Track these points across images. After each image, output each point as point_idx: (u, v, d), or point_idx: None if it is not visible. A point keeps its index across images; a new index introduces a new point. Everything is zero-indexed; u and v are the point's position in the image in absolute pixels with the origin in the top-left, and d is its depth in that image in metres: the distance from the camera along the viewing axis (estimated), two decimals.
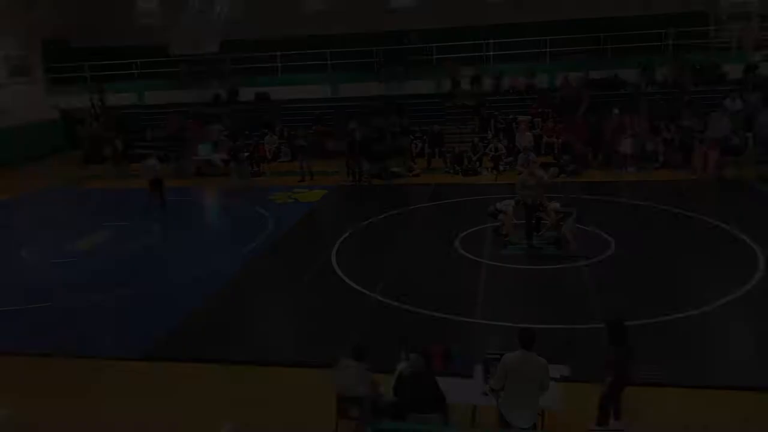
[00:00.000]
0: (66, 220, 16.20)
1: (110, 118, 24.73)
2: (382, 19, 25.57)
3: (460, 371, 6.46)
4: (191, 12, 19.36)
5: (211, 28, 19.00)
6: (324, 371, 7.71)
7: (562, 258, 11.30)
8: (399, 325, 9.10)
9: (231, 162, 19.21)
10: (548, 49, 23.48)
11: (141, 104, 26.29)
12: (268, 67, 25.42)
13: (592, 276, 10.43)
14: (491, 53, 23.86)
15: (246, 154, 20.40)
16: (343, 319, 9.36)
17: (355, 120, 21.31)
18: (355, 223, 14.01)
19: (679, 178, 16.73)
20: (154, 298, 10.64)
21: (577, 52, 23.50)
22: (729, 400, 6.90)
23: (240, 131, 22.57)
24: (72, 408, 7.40)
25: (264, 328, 9.26)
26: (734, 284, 9.73)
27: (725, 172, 16.38)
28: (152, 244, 13.73)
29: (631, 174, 17.33)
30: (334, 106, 23.53)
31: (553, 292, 10.09)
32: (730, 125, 17.29)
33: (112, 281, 11.39)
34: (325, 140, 21.77)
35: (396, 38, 24.91)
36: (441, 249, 12.19)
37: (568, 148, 19.06)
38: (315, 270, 11.43)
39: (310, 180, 18.58)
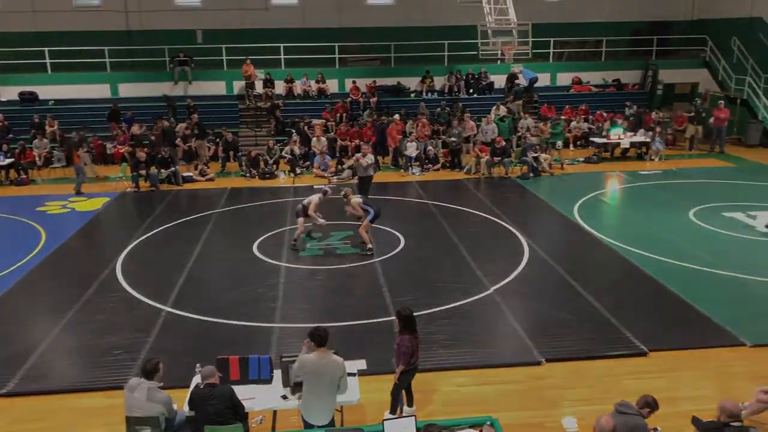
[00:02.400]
0: None
1: None
2: (170, 17, 24.43)
3: (258, 378, 6.41)
4: None
5: None
6: (112, 393, 7.21)
7: (356, 255, 11.79)
8: (193, 336, 8.77)
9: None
10: (337, 56, 24.24)
11: None
12: (35, 63, 22.79)
13: (385, 271, 11.02)
14: (282, 57, 23.96)
15: (11, 160, 18.16)
16: (132, 335, 8.75)
17: (140, 122, 20.02)
18: (142, 232, 13.21)
19: (455, 177, 18.39)
20: None
21: (365, 59, 24.68)
22: (508, 376, 7.72)
23: (3, 135, 19.93)
24: None
25: (40, 352, 8.30)
26: (507, 270, 10.95)
27: (493, 170, 18.38)
28: None
29: (416, 174, 18.61)
30: (119, 107, 21.71)
31: (349, 290, 10.46)
32: (497, 129, 19.51)
33: None
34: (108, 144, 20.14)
35: (185, 37, 23.94)
36: (237, 254, 11.98)
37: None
38: (97, 285, 10.54)
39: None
